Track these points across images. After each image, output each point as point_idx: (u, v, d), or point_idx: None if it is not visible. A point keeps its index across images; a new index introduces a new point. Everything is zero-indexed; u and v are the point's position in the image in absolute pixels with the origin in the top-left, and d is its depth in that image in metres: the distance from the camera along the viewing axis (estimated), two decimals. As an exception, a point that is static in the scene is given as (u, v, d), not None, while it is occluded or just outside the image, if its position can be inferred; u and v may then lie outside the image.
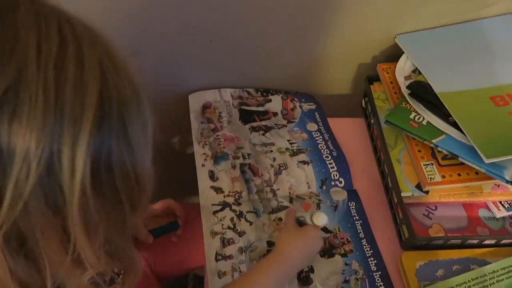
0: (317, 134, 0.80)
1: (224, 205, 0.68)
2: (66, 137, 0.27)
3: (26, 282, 0.31)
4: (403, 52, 0.77)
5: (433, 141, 0.66)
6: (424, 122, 0.68)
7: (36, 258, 0.31)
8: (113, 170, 0.31)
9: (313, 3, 0.69)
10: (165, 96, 0.83)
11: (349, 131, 0.83)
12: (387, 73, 0.80)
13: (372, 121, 0.79)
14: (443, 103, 0.67)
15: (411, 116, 0.69)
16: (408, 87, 0.72)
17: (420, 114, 0.69)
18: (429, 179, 0.66)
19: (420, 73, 0.74)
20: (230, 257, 0.62)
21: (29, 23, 0.28)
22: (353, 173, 0.75)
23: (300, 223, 0.66)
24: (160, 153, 0.95)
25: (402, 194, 0.66)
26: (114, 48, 0.34)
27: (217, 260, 0.62)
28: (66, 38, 0.29)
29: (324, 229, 0.67)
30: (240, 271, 0.61)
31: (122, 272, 0.47)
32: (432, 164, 0.67)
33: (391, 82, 0.78)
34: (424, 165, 0.67)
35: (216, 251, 0.63)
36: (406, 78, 0.75)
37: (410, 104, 0.71)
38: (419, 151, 0.69)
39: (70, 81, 0.28)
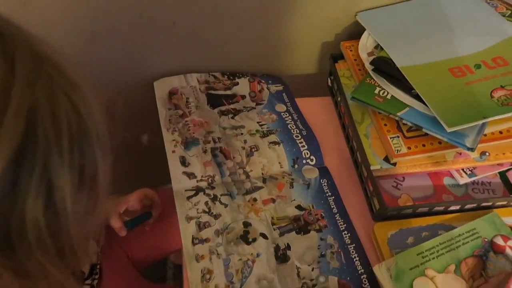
0: (286, 114, 0.81)
1: (198, 189, 0.67)
2: None
3: None
4: (365, 29, 0.78)
5: (398, 114, 0.68)
6: (389, 97, 0.70)
7: None
8: (23, 240, 0.26)
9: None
10: (129, 84, 0.80)
11: (317, 110, 0.84)
12: (351, 50, 0.81)
13: (339, 98, 0.80)
14: (405, 76, 0.69)
15: (376, 91, 0.71)
16: (371, 63, 0.73)
17: (384, 89, 0.71)
18: (396, 151, 0.68)
19: (382, 48, 0.75)
20: (207, 240, 0.62)
21: None
22: (323, 150, 0.76)
23: None
24: (129, 145, 0.92)
25: (371, 168, 0.68)
26: (75, 88, 0.28)
27: (194, 244, 0.62)
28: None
29: (298, 207, 0.68)
30: (218, 254, 0.61)
31: None
32: (398, 137, 0.70)
33: (355, 60, 0.79)
34: (390, 138, 0.69)
35: (193, 235, 0.62)
36: (369, 54, 0.77)
37: (374, 80, 0.72)
38: (385, 125, 0.71)
39: None
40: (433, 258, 0.60)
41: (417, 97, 0.68)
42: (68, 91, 0.28)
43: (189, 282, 0.58)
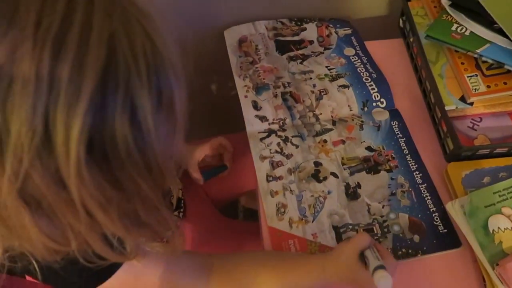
0: (355, 58, 0.80)
1: (270, 132, 0.71)
2: (59, 115, 0.26)
3: (54, 237, 0.33)
4: (442, -37, 0.73)
5: (477, 51, 0.65)
6: (467, 33, 0.67)
7: (56, 219, 0.31)
8: (118, 152, 0.29)
9: None
10: (200, 34, 0.84)
11: (387, 53, 0.82)
12: (426, -13, 0.77)
13: (412, 39, 0.77)
14: (486, 9, 0.65)
15: (453, 28, 0.68)
16: (448, -2, 0.70)
17: (462, 25, 0.67)
18: (474, 90, 0.65)
19: (461, -18, 0.71)
20: (280, 177, 0.66)
21: None
22: (394, 93, 0.75)
23: (363, 257, 0.52)
24: (201, 92, 0.97)
25: (446, 108, 0.66)
26: (147, 17, 0.30)
27: (268, 181, 0.66)
28: (75, 8, 0.27)
29: (368, 148, 0.69)
30: (291, 190, 0.65)
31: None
32: (477, 75, 0.67)
33: (430, -4, 0.75)
34: (468, 77, 0.67)
35: (267, 173, 0.66)
36: (446, -11, 0.72)
37: (451, 16, 0.69)
38: (462, 63, 0.68)
39: (67, 60, 0.26)
40: (511, 198, 0.59)
41: (500, 32, 0.64)
42: (141, 19, 0.30)
43: (265, 214, 0.63)
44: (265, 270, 0.54)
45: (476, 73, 0.67)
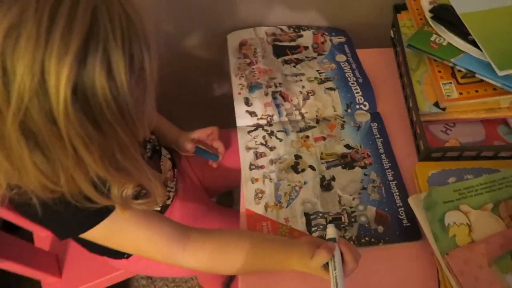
0: (345, 64, 0.86)
1: (258, 126, 0.78)
2: (53, 64, 0.34)
3: (47, 174, 0.40)
4: (430, -21, 0.79)
5: (452, 60, 0.69)
6: (445, 43, 0.72)
7: (48, 154, 0.39)
8: (97, 99, 0.37)
9: None
10: (205, 36, 0.92)
11: (377, 61, 0.87)
12: (414, 0, 0.82)
13: (398, 48, 0.82)
14: (463, 22, 0.70)
15: (432, 38, 0.73)
16: (431, 10, 0.75)
17: (440, 36, 0.72)
18: (446, 96, 0.70)
19: (444, -3, 0.76)
20: (262, 167, 0.73)
21: None
22: (378, 98, 0.81)
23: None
24: (200, 92, 1.06)
25: (420, 111, 0.71)
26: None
27: (250, 169, 0.73)
28: None
29: (347, 146, 0.75)
30: (270, 179, 0.71)
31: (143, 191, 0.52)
32: (451, 83, 0.71)
33: (417, 9, 0.81)
34: (442, 84, 0.71)
35: (250, 162, 0.73)
36: (431, 2, 0.78)
37: (432, 27, 0.74)
38: (439, 71, 0.73)
39: (60, 23, 0.34)
40: (470, 196, 0.63)
41: (473, 43, 0.68)
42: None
43: (244, 198, 0.70)
44: (240, 245, 0.60)
45: (451, 81, 0.71)
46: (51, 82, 0.35)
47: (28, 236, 0.87)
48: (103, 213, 0.51)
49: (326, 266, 0.55)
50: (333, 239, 0.55)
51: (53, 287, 0.83)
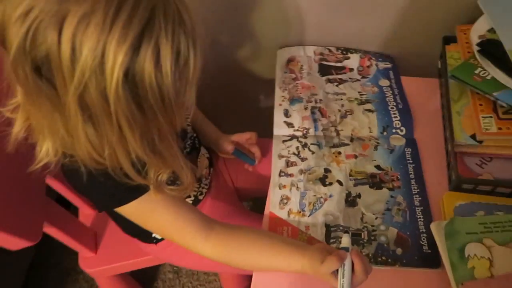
0: (388, 89, 0.88)
1: (293, 137, 0.81)
2: (112, 49, 0.40)
3: (94, 145, 0.47)
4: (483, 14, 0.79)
5: (494, 94, 0.69)
6: (488, 77, 0.72)
7: (98, 127, 0.45)
8: (144, 84, 0.42)
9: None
10: (257, 51, 0.99)
11: (421, 89, 0.88)
12: (465, 33, 0.83)
13: (443, 79, 0.83)
14: (511, 58, 0.69)
15: (476, 71, 0.73)
16: (478, 44, 0.75)
17: (485, 70, 0.72)
18: (484, 129, 0.69)
19: (495, 32, 0.76)
20: (291, 175, 0.76)
21: None
22: (417, 125, 0.82)
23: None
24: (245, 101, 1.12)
25: (455, 142, 0.71)
26: (182, 2, 0.44)
27: (280, 176, 0.76)
28: None
29: (377, 167, 0.76)
30: (297, 187, 0.74)
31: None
32: (491, 117, 0.71)
33: (466, 42, 0.81)
34: (482, 117, 0.71)
35: (280, 169, 0.77)
36: (480, 37, 0.78)
37: (477, 61, 0.74)
38: (480, 104, 0.72)
39: (123, 16, 0.40)
40: (497, 231, 0.62)
41: (518, 80, 0.68)
42: (177, 2, 0.44)
43: (270, 201, 0.73)
44: (259, 243, 0.63)
45: (492, 115, 0.71)
46: (108, 64, 0.41)
47: (74, 213, 0.96)
48: (139, 191, 0.57)
49: (336, 273, 0.57)
50: (346, 249, 0.57)
51: (88, 260, 0.90)
